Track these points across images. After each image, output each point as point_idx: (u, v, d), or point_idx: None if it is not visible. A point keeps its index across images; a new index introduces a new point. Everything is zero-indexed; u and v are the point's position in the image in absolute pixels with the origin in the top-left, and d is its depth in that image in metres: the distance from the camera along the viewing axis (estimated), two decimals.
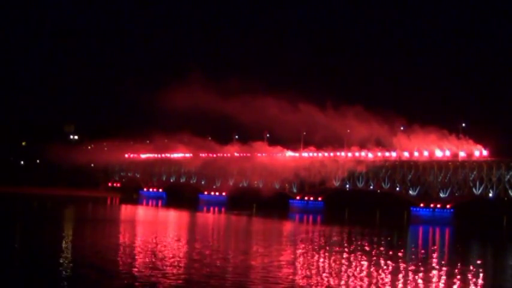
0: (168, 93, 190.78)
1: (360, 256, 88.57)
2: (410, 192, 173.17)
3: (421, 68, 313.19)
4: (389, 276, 72.25)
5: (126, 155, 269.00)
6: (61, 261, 74.99)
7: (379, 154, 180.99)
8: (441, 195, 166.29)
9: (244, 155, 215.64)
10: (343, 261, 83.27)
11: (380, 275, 72.53)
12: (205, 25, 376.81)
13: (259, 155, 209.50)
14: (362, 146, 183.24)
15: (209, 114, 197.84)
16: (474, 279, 73.97)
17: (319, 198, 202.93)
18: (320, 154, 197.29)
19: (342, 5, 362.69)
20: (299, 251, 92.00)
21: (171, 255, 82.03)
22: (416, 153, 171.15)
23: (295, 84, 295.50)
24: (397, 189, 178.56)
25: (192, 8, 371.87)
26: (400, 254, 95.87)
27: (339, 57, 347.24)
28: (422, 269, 78.46)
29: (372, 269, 75.90)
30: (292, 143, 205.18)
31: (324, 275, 70.92)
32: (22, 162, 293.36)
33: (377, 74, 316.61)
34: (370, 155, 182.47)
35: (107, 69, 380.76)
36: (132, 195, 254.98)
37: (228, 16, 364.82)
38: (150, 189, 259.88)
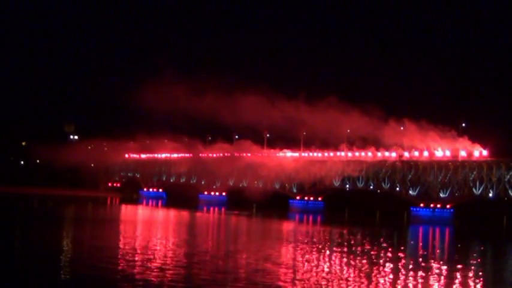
0: (149, 93, 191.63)
1: (359, 256, 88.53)
2: (410, 192, 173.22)
3: (421, 67, 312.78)
4: (389, 276, 72.27)
5: (126, 155, 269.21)
6: (61, 261, 74.98)
7: (379, 154, 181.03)
8: (441, 195, 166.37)
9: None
10: (343, 261, 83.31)
11: (380, 275, 72.53)
12: (178, 23, 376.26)
13: (259, 154, 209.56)
14: (354, 144, 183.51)
15: (191, 113, 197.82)
16: (474, 280, 73.96)
17: (319, 198, 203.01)
18: (320, 154, 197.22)
19: None
20: (298, 252, 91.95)
21: (171, 255, 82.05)
22: (416, 153, 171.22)
23: (274, 81, 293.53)
24: (397, 189, 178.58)
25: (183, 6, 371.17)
26: (400, 254, 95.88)
27: (341, 55, 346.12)
28: (422, 269, 78.42)
29: (371, 270, 75.84)
30: (281, 142, 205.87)
31: (323, 275, 70.89)
32: (22, 162, 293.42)
33: (376, 73, 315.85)
34: (369, 154, 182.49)
35: (99, 69, 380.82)
36: (132, 195, 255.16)
37: (202, 13, 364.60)
38: (150, 189, 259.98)
